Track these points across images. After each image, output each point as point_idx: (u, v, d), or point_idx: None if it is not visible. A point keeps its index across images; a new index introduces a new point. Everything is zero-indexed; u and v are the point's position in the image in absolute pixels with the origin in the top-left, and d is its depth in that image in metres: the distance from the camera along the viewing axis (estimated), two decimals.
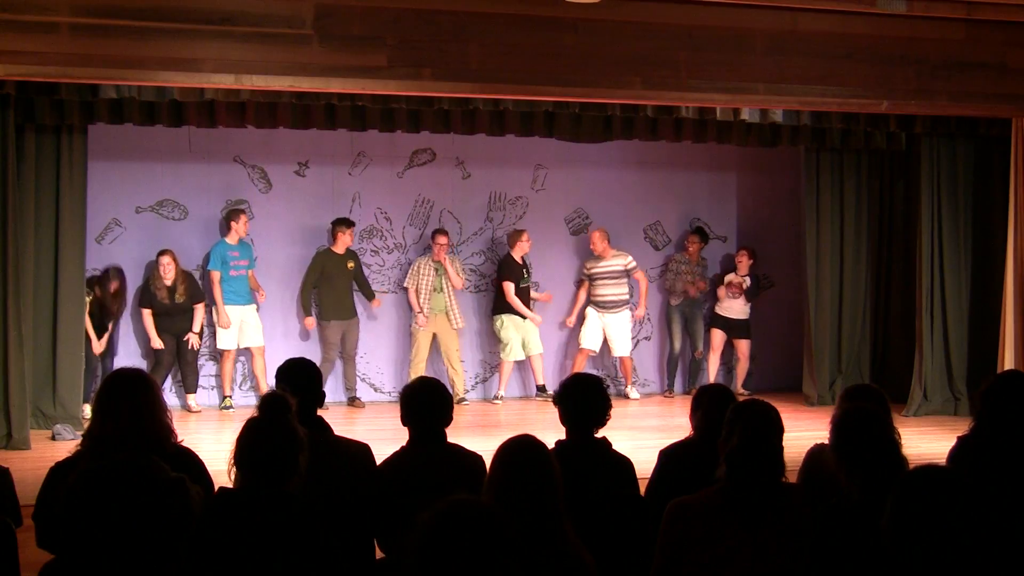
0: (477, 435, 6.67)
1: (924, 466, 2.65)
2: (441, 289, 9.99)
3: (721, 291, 10.77)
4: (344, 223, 9.85)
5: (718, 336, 10.78)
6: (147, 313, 9.39)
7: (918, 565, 2.45)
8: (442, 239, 10.00)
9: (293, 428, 3.37)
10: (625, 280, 10.48)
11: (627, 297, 10.52)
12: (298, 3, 7.19)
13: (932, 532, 2.45)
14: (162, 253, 9.36)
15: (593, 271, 10.46)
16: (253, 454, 3.30)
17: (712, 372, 10.74)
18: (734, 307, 10.72)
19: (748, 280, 10.69)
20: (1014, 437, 4.05)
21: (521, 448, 3.22)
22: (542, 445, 3.26)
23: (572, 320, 10.64)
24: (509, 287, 10.15)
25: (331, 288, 9.83)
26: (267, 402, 3.54)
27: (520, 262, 10.23)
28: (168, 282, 9.32)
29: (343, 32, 7.27)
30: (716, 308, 10.84)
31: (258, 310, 9.81)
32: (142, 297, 9.50)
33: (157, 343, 9.35)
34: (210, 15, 7.05)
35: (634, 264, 10.51)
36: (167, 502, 2.26)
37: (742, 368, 10.83)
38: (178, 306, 9.39)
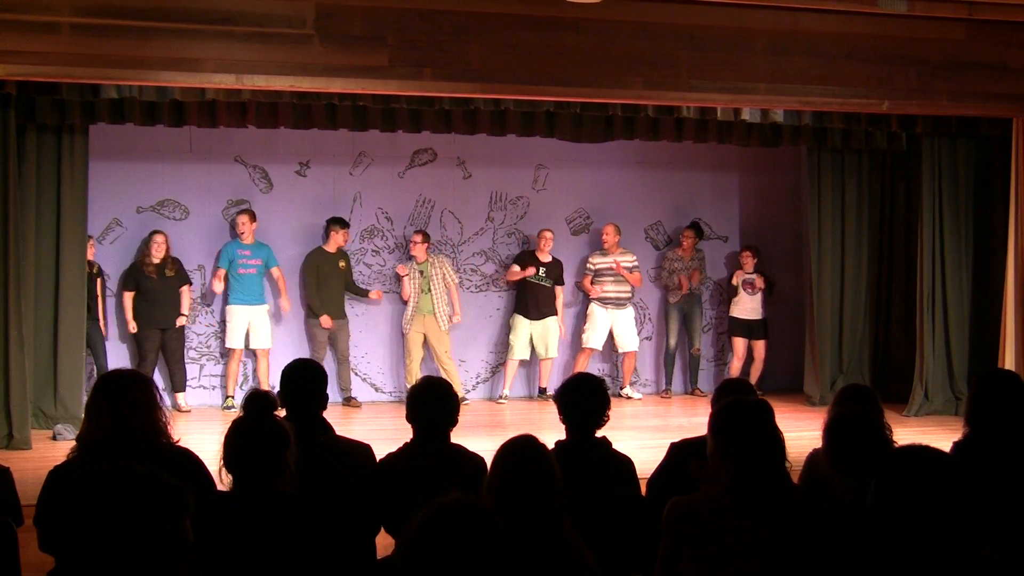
0: (480, 435, 6.67)
1: (908, 445, 2.65)
2: (428, 291, 9.98)
3: (740, 290, 10.66)
4: (339, 222, 9.86)
5: (741, 344, 10.68)
6: (128, 296, 9.39)
7: (901, 542, 2.45)
8: (417, 238, 9.99)
9: (277, 424, 3.37)
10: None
11: (630, 294, 10.53)
12: (299, 3, 7.19)
13: (915, 507, 2.45)
14: (155, 232, 9.43)
15: (600, 267, 10.45)
16: (240, 453, 3.30)
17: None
18: (750, 307, 10.66)
19: (763, 279, 10.64)
20: (1004, 437, 4.05)
21: (521, 449, 3.24)
22: (542, 446, 3.27)
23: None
24: (513, 268, 10.26)
25: (323, 287, 9.83)
26: (250, 400, 3.54)
27: (542, 259, 10.25)
28: (157, 260, 9.34)
29: (344, 32, 7.27)
30: (732, 311, 10.77)
31: (270, 311, 9.82)
32: (126, 280, 9.50)
33: (132, 327, 9.33)
34: (211, 15, 7.06)
35: (637, 265, 10.51)
36: (158, 508, 2.25)
37: (757, 369, 10.75)
38: (166, 284, 9.36)
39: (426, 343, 10.04)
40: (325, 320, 9.81)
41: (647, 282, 11.00)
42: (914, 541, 2.44)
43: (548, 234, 10.28)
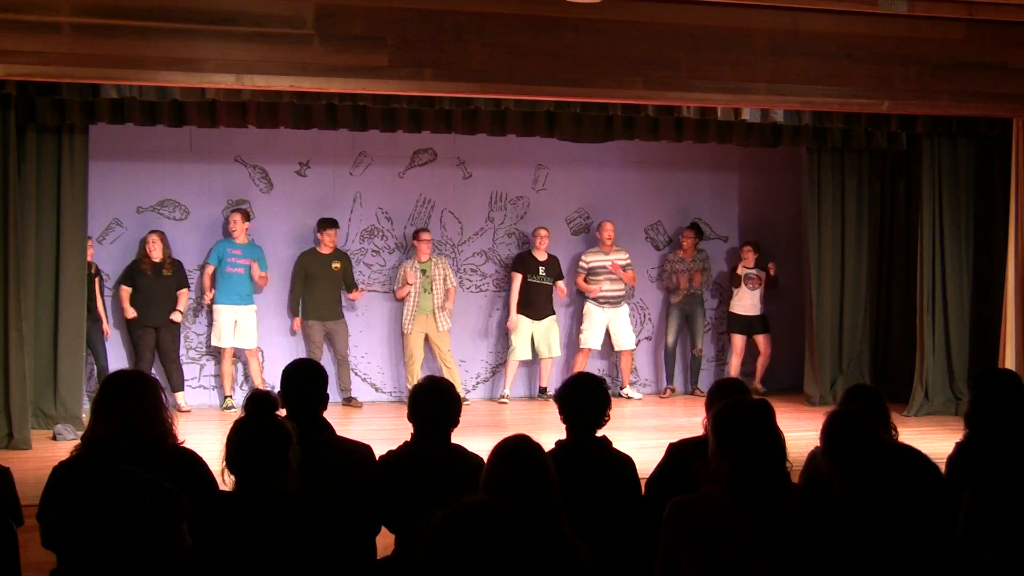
0: (480, 435, 6.66)
1: (888, 445, 2.65)
2: (429, 290, 9.97)
3: (742, 283, 10.66)
4: (325, 223, 9.85)
5: (740, 341, 10.69)
6: (125, 290, 9.42)
7: (883, 540, 2.46)
8: (425, 236, 9.99)
9: (279, 424, 3.37)
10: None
11: (625, 291, 10.53)
12: (299, 3, 7.19)
13: (894, 506, 2.45)
14: (152, 232, 9.46)
15: (594, 265, 10.44)
16: (242, 454, 3.30)
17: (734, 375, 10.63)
18: (749, 303, 10.67)
19: (764, 273, 10.65)
20: (1005, 436, 4.06)
21: (515, 448, 3.26)
22: (536, 445, 3.29)
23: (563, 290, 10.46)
24: (515, 278, 10.27)
25: (313, 288, 9.83)
26: (251, 401, 3.54)
27: (539, 258, 10.24)
28: (156, 259, 9.37)
29: (344, 32, 7.27)
30: (732, 307, 10.77)
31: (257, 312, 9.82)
32: (124, 276, 9.53)
33: (130, 312, 9.34)
34: (211, 15, 7.06)
35: (630, 263, 10.51)
36: (156, 513, 2.25)
37: (762, 363, 10.75)
38: (162, 284, 9.38)
39: (427, 343, 10.04)
40: (296, 323, 9.89)
41: (648, 282, 11.00)
42: (894, 539, 2.45)
43: (544, 232, 10.28)
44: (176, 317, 9.51)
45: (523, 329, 10.26)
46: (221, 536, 3.13)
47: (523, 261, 10.32)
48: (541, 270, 10.26)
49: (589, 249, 10.57)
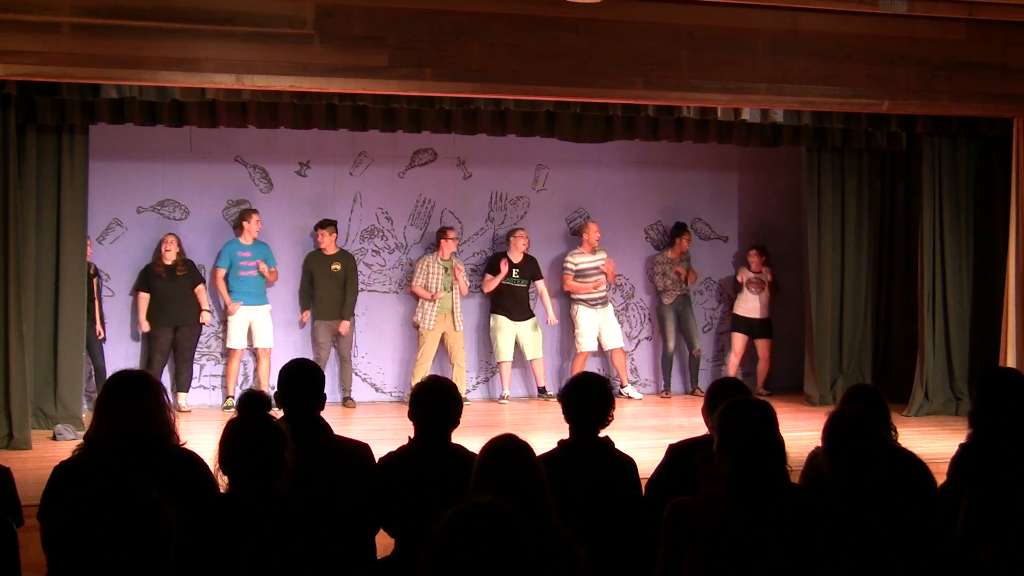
0: (480, 435, 6.66)
1: (871, 442, 2.65)
2: (449, 288, 9.98)
3: (745, 289, 10.68)
4: (321, 224, 9.88)
5: (740, 341, 10.70)
6: (143, 298, 9.47)
7: (866, 535, 2.46)
8: (451, 235, 10.01)
9: (273, 424, 3.36)
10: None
11: (607, 291, 10.52)
12: (299, 3, 7.20)
13: (878, 503, 2.45)
14: (168, 234, 9.55)
15: (584, 267, 10.41)
16: (236, 454, 3.29)
17: (732, 375, 10.63)
18: (752, 306, 10.67)
19: (771, 275, 10.65)
20: (1010, 436, 4.05)
21: (503, 448, 3.28)
22: (524, 443, 3.31)
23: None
24: (488, 280, 10.26)
25: (317, 289, 9.86)
26: (244, 401, 3.53)
27: (513, 260, 10.22)
28: (169, 261, 9.43)
29: (344, 32, 7.27)
30: (736, 309, 10.78)
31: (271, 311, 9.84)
32: (139, 282, 9.58)
33: (145, 326, 9.40)
34: (211, 15, 7.06)
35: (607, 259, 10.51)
36: (147, 527, 2.24)
37: (762, 369, 10.77)
38: (177, 284, 9.43)
39: (441, 341, 10.04)
40: (304, 316, 9.96)
41: (648, 281, 11.00)
42: (881, 539, 2.44)
43: (521, 232, 10.27)
44: (205, 318, 9.63)
45: (506, 330, 10.24)
46: (218, 537, 3.13)
47: (493, 263, 10.30)
48: (514, 272, 10.23)
49: (573, 250, 10.52)
